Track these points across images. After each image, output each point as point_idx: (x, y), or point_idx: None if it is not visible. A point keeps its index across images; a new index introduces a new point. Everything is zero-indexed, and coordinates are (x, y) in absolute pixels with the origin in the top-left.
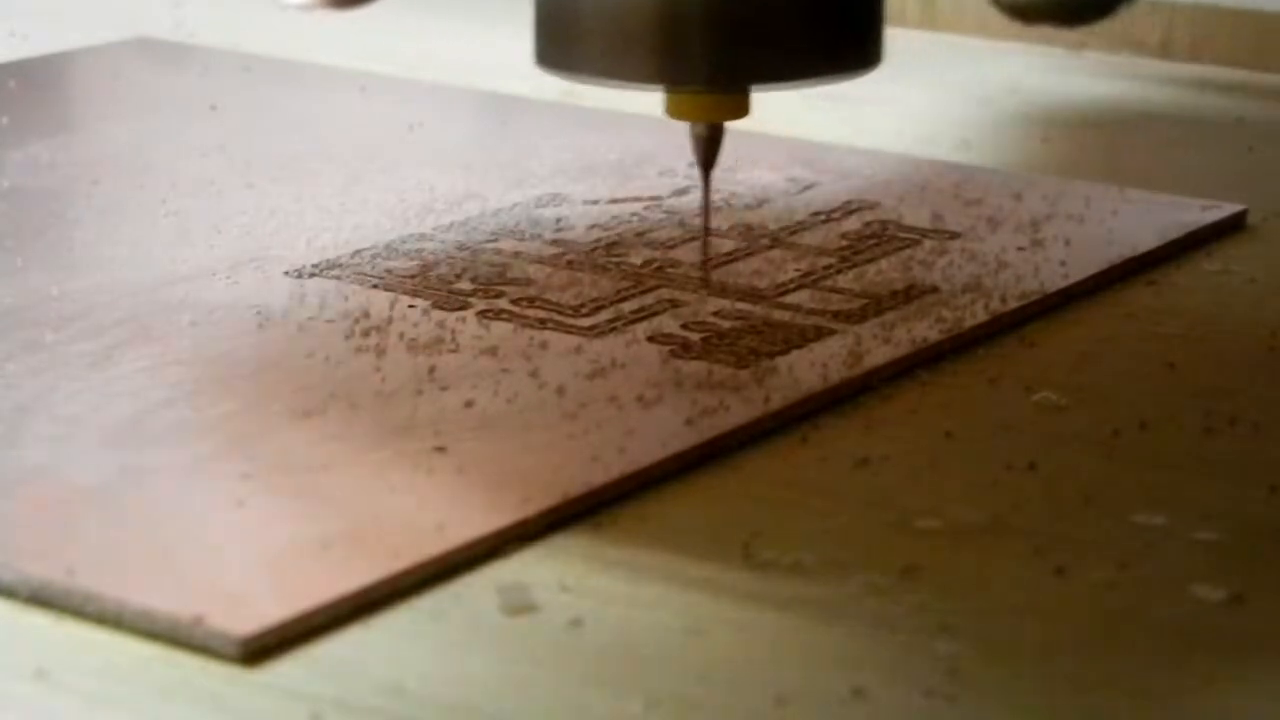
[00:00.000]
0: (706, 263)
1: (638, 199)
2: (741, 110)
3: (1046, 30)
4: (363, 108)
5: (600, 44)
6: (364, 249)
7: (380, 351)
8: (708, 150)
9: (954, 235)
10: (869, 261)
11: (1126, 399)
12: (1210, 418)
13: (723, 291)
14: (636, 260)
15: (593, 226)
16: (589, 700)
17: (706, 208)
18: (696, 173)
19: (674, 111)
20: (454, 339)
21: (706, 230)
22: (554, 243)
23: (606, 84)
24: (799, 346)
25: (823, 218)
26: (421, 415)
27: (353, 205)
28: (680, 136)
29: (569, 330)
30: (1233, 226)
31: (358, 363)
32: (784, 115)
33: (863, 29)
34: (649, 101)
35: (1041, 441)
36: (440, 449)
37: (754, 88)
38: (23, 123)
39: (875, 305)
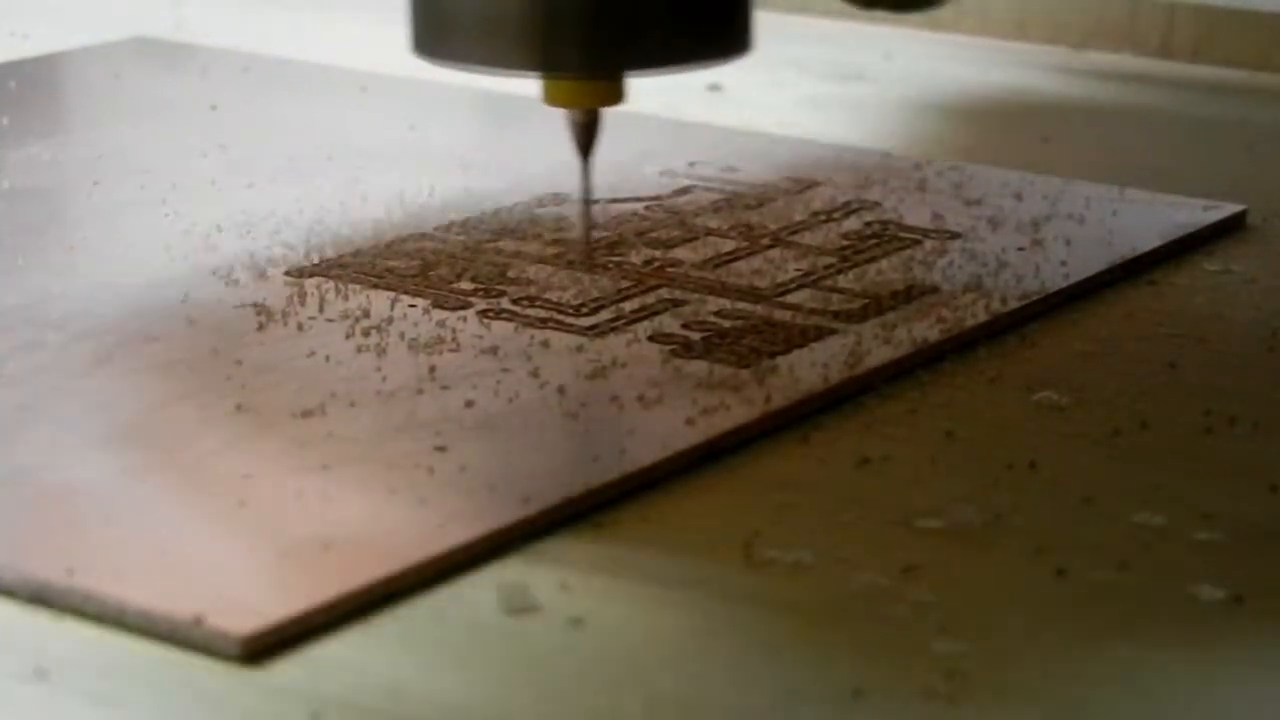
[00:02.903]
0: (589, 246)
1: (638, 199)
2: (616, 97)
3: (1047, 30)
4: (363, 108)
5: (476, 32)
6: (364, 249)
7: (380, 351)
8: (585, 137)
9: (954, 235)
10: (869, 261)
11: (1126, 399)
12: (1210, 418)
13: (723, 291)
14: (636, 260)
15: (593, 226)
16: (589, 700)
17: (587, 197)
18: (697, 172)
19: (550, 98)
20: (454, 339)
21: (587, 222)
22: (554, 243)
23: (484, 72)
24: (799, 346)
25: (823, 218)
26: (421, 415)
27: (353, 205)
28: (681, 135)
29: (569, 330)
30: (1233, 226)
31: (358, 362)
32: (784, 115)
33: (732, 15)
34: (650, 102)
35: (1041, 441)
36: (440, 449)
37: (628, 73)
38: (23, 123)
39: (875, 305)
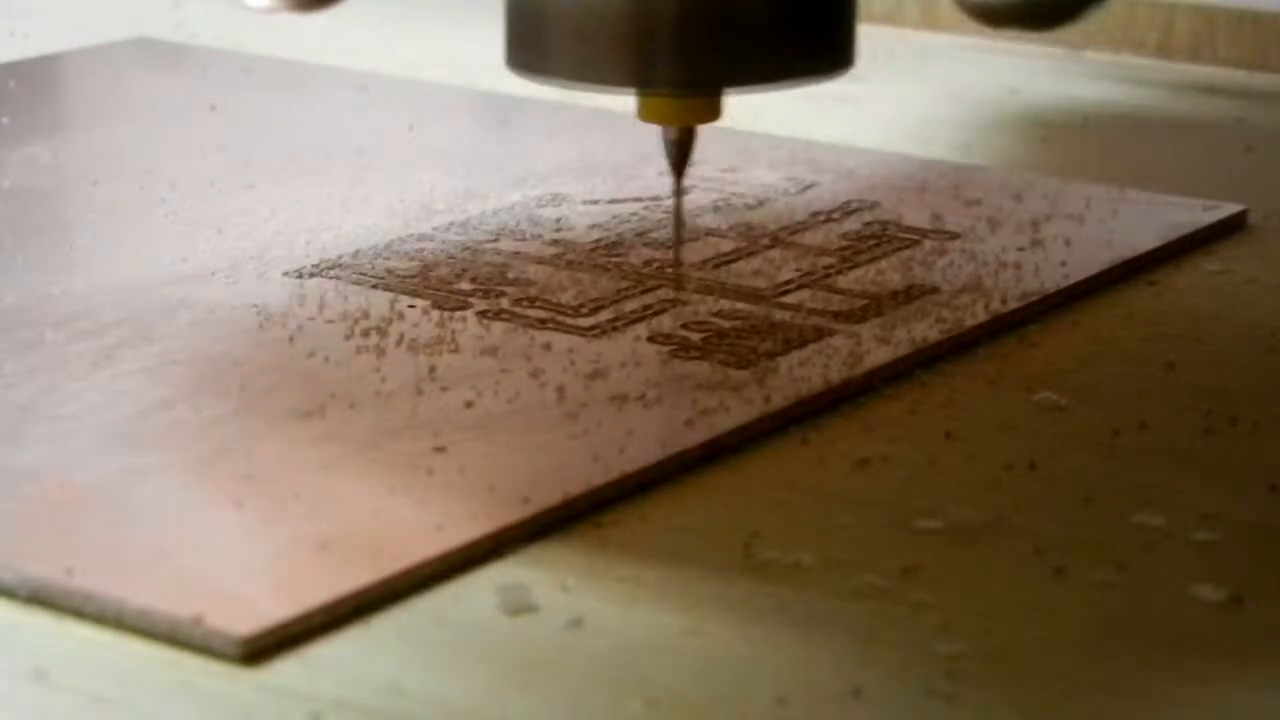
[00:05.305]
0: (679, 269)
1: (638, 199)
2: (713, 113)
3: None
4: (363, 108)
5: (571, 47)
6: (364, 249)
7: (380, 351)
8: (679, 154)
9: (954, 236)
10: (869, 262)
11: (1126, 399)
12: (1210, 418)
13: (723, 291)
14: (636, 260)
15: (593, 226)
16: (589, 700)
17: (678, 213)
18: (697, 172)
19: (645, 115)
20: (454, 339)
21: (678, 237)
22: (554, 243)
23: (577, 87)
24: (799, 346)
25: (823, 218)
26: (421, 415)
27: (353, 205)
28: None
29: (569, 330)
30: (1233, 226)
31: (358, 363)
32: (784, 115)
33: (833, 31)
34: None
35: (1041, 441)
36: (440, 449)
37: (725, 90)
38: (23, 123)
39: (875, 305)
